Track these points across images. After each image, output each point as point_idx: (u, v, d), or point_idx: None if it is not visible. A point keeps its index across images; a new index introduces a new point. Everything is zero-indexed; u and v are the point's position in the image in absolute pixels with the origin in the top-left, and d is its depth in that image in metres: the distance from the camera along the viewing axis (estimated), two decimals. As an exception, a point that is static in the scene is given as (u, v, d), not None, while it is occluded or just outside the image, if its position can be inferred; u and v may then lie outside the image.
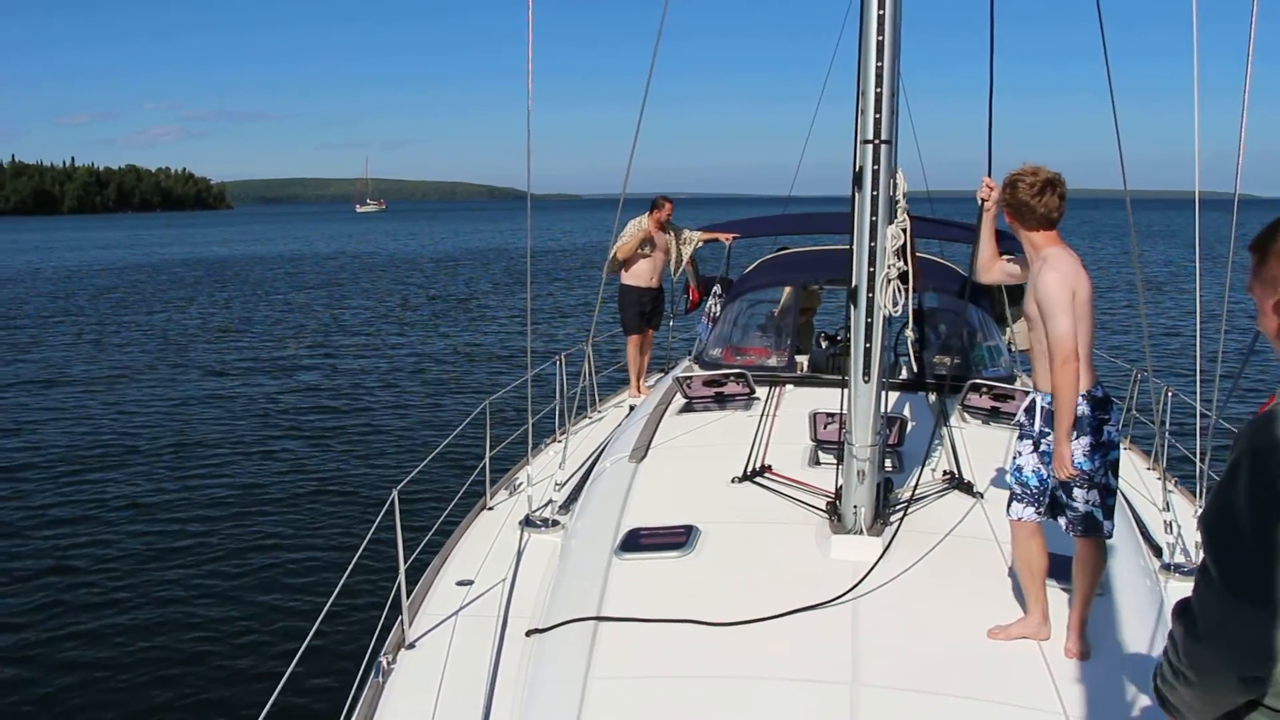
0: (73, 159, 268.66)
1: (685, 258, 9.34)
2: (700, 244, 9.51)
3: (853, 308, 4.49)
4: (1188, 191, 5.27)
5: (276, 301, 32.00)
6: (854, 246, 4.44)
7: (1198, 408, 5.67)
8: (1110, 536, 3.90)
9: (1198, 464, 5.77)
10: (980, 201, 4.18)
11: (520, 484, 6.24)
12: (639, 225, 9.02)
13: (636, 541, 4.51)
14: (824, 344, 8.20)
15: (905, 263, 4.45)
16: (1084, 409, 3.77)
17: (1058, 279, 3.72)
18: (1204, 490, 5.67)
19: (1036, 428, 3.91)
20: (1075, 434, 3.74)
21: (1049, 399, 3.82)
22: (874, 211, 4.36)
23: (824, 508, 4.72)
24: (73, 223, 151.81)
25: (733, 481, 5.15)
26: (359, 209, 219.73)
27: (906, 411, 6.27)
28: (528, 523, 5.47)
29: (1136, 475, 6.45)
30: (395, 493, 4.39)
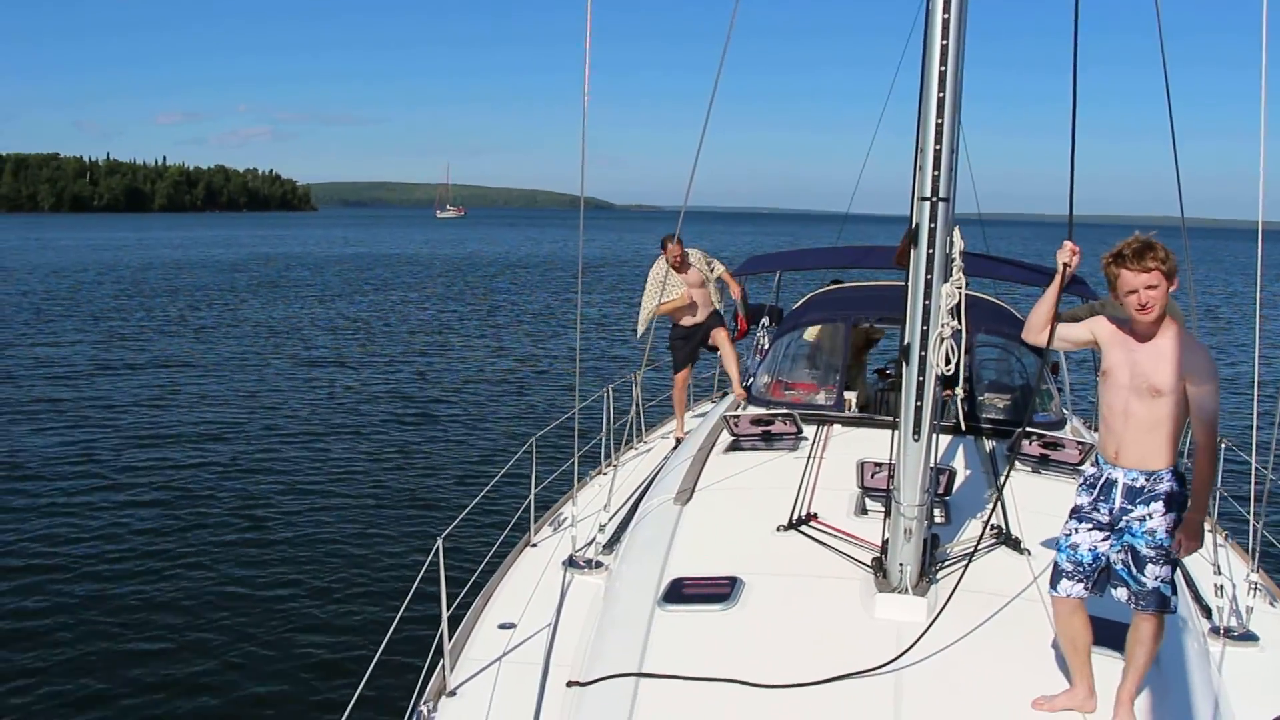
0: (164, 158, 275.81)
1: (721, 273, 9.13)
2: (722, 274, 9.23)
3: (904, 365, 4.46)
4: (1246, 220, 5.09)
5: (330, 314, 31.70)
6: (909, 304, 4.41)
7: (1253, 464, 5.52)
8: (1175, 611, 3.82)
9: (1250, 520, 5.62)
10: (1063, 266, 4.08)
11: (565, 520, 6.23)
12: (663, 272, 8.76)
13: (680, 592, 4.49)
14: (876, 378, 8.12)
15: (959, 321, 4.40)
16: (1173, 485, 3.75)
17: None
18: (1257, 547, 5.51)
19: (1115, 505, 3.82)
20: (1165, 511, 3.72)
21: (1135, 474, 3.76)
22: (929, 270, 4.33)
23: (869, 562, 4.68)
24: (164, 221, 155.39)
25: (778, 530, 5.12)
26: (439, 214, 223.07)
27: (955, 459, 6.20)
28: (571, 563, 5.46)
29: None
30: (440, 541, 4.43)
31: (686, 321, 8.99)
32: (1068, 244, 4.06)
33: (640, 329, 8.77)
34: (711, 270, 9.09)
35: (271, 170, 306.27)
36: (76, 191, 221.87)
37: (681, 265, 8.79)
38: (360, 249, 75.15)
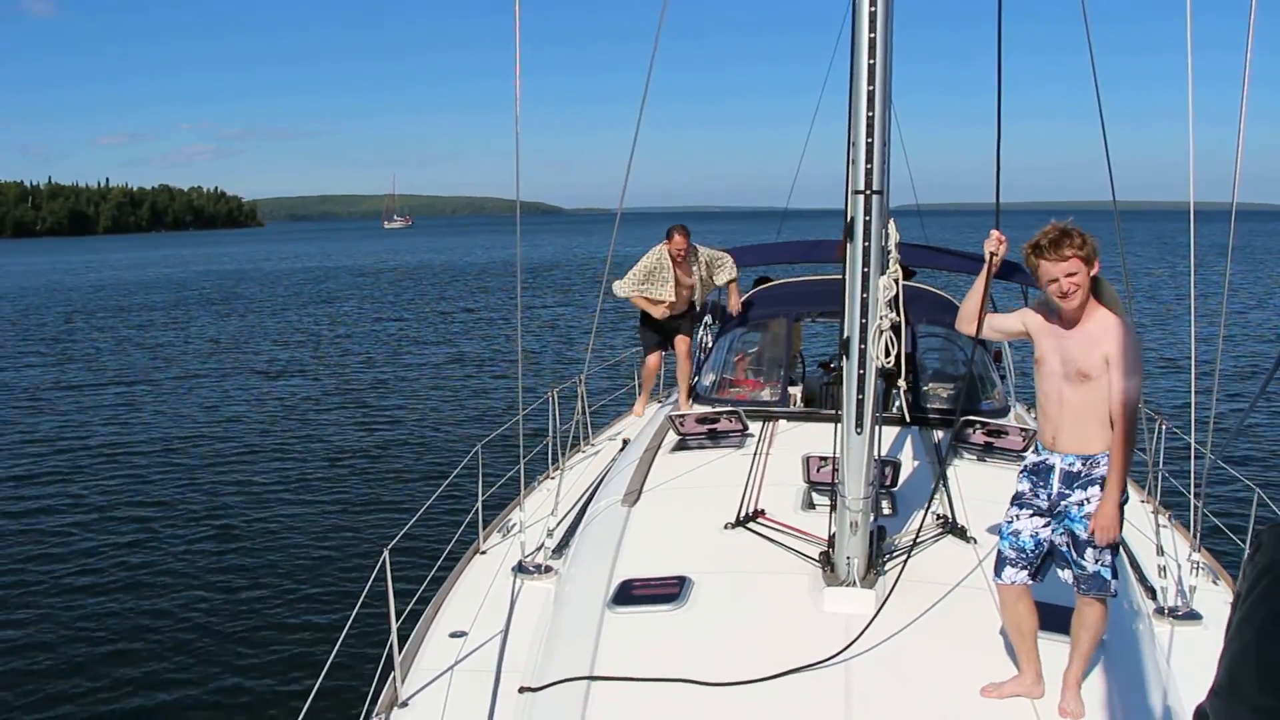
0: (107, 180, 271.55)
1: (718, 282, 8.53)
2: (728, 281, 8.62)
3: (845, 359, 4.46)
4: (1182, 202, 5.15)
5: (272, 330, 31.11)
6: (845, 298, 4.42)
7: (1192, 444, 5.60)
8: (1115, 595, 3.85)
9: (1191, 499, 5.71)
10: (990, 255, 4.12)
11: (513, 526, 6.16)
12: (657, 259, 8.23)
13: (629, 594, 4.48)
14: (819, 371, 8.14)
15: (897, 313, 4.42)
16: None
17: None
18: (1198, 526, 5.60)
19: (1053, 490, 3.85)
20: (1102, 494, 3.75)
21: (1072, 459, 3.79)
22: (865, 263, 4.34)
23: (817, 557, 4.69)
24: (110, 243, 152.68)
25: (725, 527, 5.12)
26: (386, 225, 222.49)
27: (900, 450, 6.24)
28: (521, 569, 5.42)
29: (1129, 510, 6.36)
30: (387, 552, 4.38)
31: (658, 314, 8.40)
32: (994, 233, 4.10)
33: (617, 291, 8.20)
34: (711, 276, 8.48)
35: (217, 188, 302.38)
36: (19, 217, 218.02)
37: (683, 261, 8.24)
38: (309, 263, 74.81)
